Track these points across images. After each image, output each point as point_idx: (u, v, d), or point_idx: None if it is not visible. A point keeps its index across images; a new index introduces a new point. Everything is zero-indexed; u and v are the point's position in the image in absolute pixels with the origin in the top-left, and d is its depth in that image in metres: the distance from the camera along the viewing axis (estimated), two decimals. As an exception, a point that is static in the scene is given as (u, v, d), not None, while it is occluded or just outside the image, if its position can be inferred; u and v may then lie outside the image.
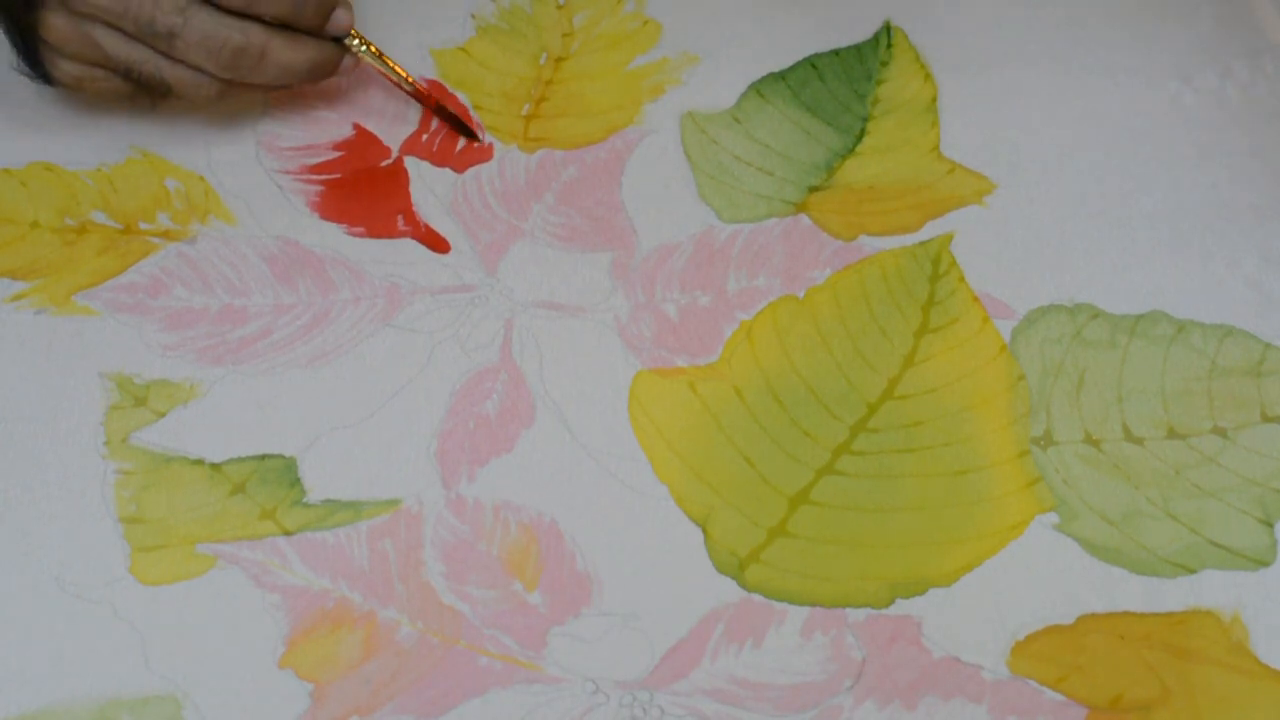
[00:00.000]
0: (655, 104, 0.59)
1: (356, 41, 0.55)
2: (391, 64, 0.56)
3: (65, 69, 0.53)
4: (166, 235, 0.54)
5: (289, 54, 0.53)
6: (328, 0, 0.53)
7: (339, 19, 0.54)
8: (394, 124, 0.58)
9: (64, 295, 0.51)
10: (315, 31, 0.53)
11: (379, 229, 0.54)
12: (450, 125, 0.57)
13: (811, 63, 0.60)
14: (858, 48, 0.60)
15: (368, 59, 0.56)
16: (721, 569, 0.45)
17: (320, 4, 0.53)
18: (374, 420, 0.49)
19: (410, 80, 0.57)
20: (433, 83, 0.59)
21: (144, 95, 0.54)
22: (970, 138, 0.57)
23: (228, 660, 0.43)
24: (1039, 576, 0.45)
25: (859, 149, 0.57)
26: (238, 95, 0.55)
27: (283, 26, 0.52)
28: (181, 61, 0.52)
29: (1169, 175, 0.56)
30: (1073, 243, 0.53)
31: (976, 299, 0.52)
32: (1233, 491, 0.46)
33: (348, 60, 0.55)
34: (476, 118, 0.58)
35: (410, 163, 0.57)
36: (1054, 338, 0.50)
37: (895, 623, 0.44)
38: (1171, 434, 0.48)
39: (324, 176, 0.56)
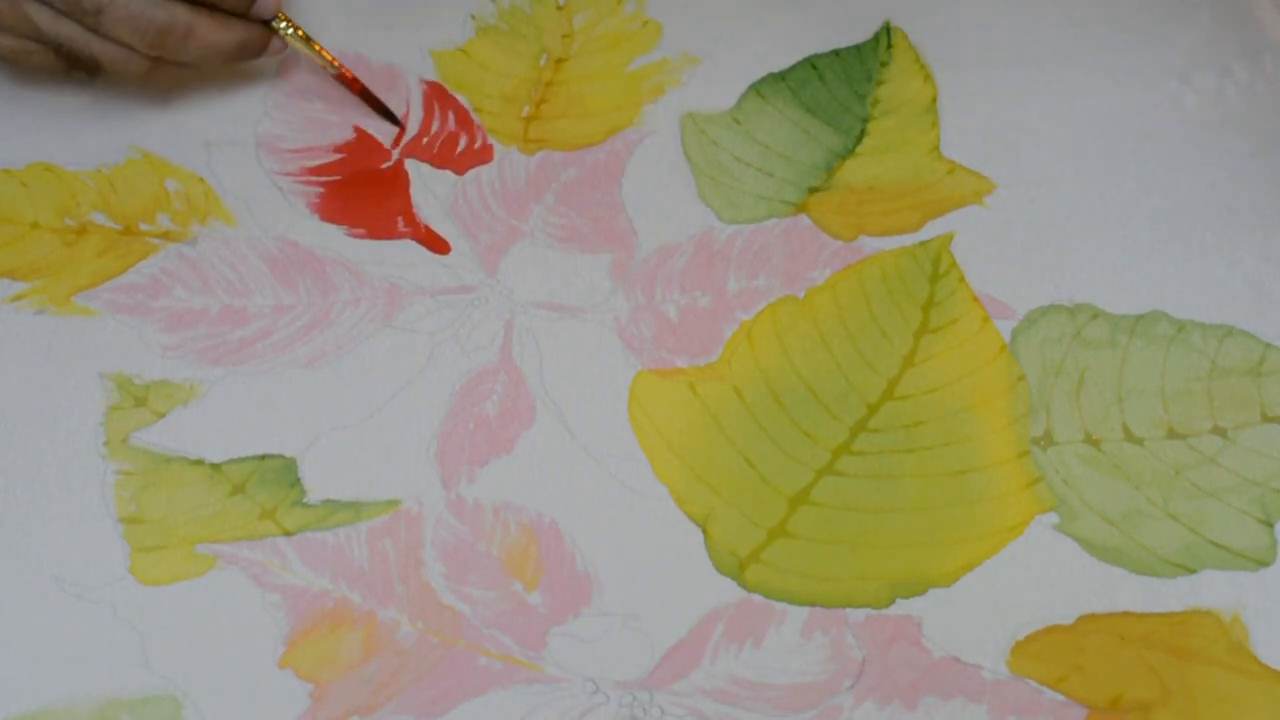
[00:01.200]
0: (655, 105, 0.59)
1: (284, 25, 0.56)
2: (318, 48, 0.57)
3: (1, 42, 0.53)
4: (166, 236, 0.54)
5: (215, 34, 0.53)
6: None
7: (265, 1, 0.54)
8: (394, 126, 0.58)
9: (64, 295, 0.51)
10: (242, 13, 0.54)
11: (379, 230, 0.54)
12: (375, 110, 0.58)
13: (811, 63, 0.60)
14: (858, 48, 0.60)
15: (294, 42, 0.56)
16: (721, 569, 0.45)
17: None
18: (374, 421, 0.49)
19: (337, 65, 0.57)
20: (432, 84, 0.59)
21: (79, 69, 0.55)
22: (970, 138, 0.57)
23: (228, 660, 0.43)
24: (1039, 576, 0.45)
25: (859, 149, 0.57)
26: (168, 73, 0.56)
27: (210, 7, 0.53)
28: (109, 38, 0.53)
29: (1169, 175, 0.56)
30: (1073, 243, 0.53)
31: (976, 299, 0.52)
32: (1233, 491, 0.46)
33: (275, 42, 0.56)
34: (477, 119, 0.58)
35: (410, 164, 0.57)
36: (1054, 338, 0.50)
37: (895, 623, 0.44)
38: (1171, 434, 0.48)
39: (324, 178, 0.56)
